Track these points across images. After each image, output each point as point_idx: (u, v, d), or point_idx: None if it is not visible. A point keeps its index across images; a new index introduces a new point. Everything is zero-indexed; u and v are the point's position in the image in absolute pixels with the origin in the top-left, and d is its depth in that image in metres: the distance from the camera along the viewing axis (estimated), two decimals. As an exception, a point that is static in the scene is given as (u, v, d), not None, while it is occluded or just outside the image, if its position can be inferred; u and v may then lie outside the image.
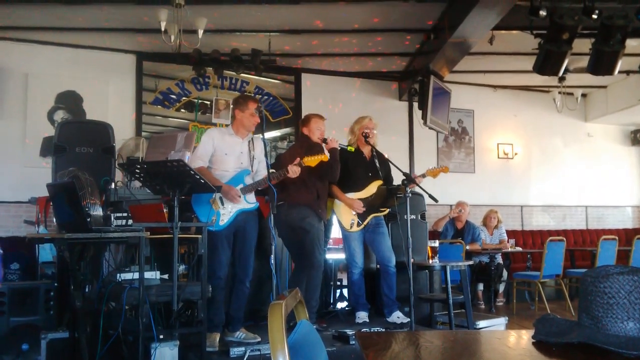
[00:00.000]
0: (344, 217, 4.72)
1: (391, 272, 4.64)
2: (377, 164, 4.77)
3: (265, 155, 3.98)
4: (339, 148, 4.45)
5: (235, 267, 4.04)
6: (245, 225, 4.00)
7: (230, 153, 4.06)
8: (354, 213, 4.66)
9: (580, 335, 1.21)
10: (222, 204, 3.92)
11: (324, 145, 4.39)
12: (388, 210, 4.75)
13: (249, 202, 4.01)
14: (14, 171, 6.50)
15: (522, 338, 1.42)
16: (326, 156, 4.23)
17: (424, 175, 4.75)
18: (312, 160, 4.15)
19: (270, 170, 3.98)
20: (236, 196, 3.89)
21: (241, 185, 3.98)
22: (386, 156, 4.89)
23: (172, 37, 5.51)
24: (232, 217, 3.92)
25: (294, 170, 4.00)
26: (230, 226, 3.92)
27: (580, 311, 1.30)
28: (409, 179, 4.37)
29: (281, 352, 0.91)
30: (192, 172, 3.32)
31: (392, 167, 4.81)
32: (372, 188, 4.72)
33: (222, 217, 3.90)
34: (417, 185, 4.59)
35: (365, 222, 4.66)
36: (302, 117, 4.92)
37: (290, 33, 6.64)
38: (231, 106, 4.30)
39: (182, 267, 4.49)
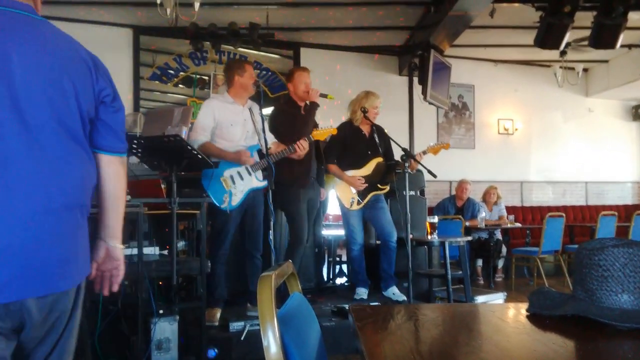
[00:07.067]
0: (344, 196, 4.69)
1: (391, 247, 4.63)
2: (377, 140, 4.71)
3: (263, 131, 3.88)
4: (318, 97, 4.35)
5: (245, 243, 4.03)
6: (253, 202, 3.97)
7: (235, 123, 3.96)
8: (354, 191, 4.64)
9: (574, 308, 1.21)
10: (233, 182, 3.87)
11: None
12: (388, 187, 4.72)
13: (260, 179, 3.94)
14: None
15: (517, 311, 1.41)
16: (335, 129, 4.18)
17: (424, 152, 4.71)
18: (321, 134, 4.10)
19: (273, 146, 3.96)
20: (248, 158, 3.85)
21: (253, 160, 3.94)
22: (386, 131, 4.86)
23: (168, 11, 5.43)
24: (244, 195, 3.88)
25: (302, 146, 3.93)
26: (241, 205, 3.89)
27: (574, 284, 1.30)
28: (408, 154, 4.34)
29: (270, 324, 0.90)
30: (189, 148, 3.28)
31: (392, 143, 4.78)
32: (372, 165, 4.70)
33: (234, 198, 3.85)
34: (417, 162, 4.53)
35: (365, 201, 4.65)
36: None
37: (289, 6, 6.54)
38: (227, 72, 4.19)
39: (182, 244, 4.50)
